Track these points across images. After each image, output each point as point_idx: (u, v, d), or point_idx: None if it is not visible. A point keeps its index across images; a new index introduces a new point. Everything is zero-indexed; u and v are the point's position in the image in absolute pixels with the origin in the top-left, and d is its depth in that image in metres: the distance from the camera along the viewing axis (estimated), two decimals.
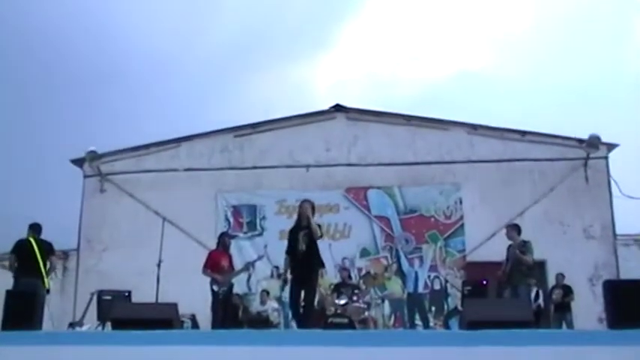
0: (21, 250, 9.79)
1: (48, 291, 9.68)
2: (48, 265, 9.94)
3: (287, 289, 8.97)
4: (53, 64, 31.54)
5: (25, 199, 22.26)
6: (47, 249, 10.00)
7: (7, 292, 8.85)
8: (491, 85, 37.46)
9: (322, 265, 9.14)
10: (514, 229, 10.44)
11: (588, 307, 12.75)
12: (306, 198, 9.34)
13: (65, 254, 15.35)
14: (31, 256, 9.72)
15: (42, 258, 9.79)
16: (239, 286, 13.04)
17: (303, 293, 8.55)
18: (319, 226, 8.94)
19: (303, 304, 8.55)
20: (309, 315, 8.57)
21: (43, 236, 10.09)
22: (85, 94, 31.47)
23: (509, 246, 10.31)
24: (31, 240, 9.87)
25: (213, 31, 38.57)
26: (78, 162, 16.00)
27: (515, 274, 9.90)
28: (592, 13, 36.43)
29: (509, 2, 40.55)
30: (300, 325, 8.46)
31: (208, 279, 10.21)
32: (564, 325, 12.51)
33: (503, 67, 39.08)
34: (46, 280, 9.73)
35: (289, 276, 8.85)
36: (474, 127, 15.76)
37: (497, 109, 30.48)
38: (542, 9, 38.46)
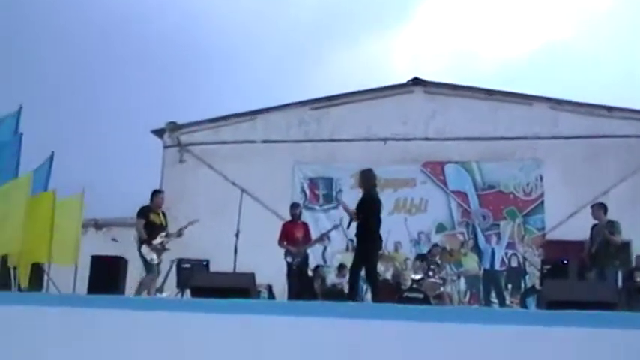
0: None
1: None
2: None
3: None
4: (139, 37, 32.34)
5: (108, 168, 23.01)
6: None
7: (93, 257, 9.21)
8: (576, 59, 36.07)
9: (372, 238, 8.67)
10: (601, 208, 10.10)
11: None
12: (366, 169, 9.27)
13: None
14: None
15: None
16: (314, 258, 13.16)
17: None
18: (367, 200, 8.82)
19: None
20: (352, 287, 8.70)
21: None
22: (168, 67, 32.19)
23: (594, 225, 10.00)
24: None
25: (292, 5, 38.62)
26: (158, 133, 16.41)
27: (601, 255, 9.58)
28: None
29: None
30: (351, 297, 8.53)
31: (283, 250, 10.33)
32: None
33: (589, 39, 37.59)
34: None
35: None
36: (558, 102, 15.30)
37: (583, 83, 29.39)
38: None
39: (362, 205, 8.76)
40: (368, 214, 8.65)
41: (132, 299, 7.07)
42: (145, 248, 9.51)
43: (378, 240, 8.78)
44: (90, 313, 5.95)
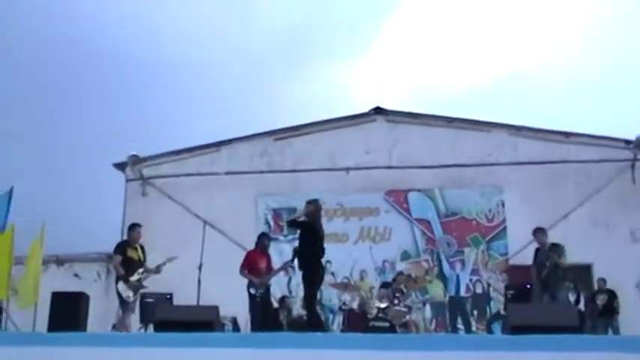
0: None
1: None
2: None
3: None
4: (95, 68, 32.14)
5: (70, 202, 22.71)
6: None
7: (53, 294, 9.03)
8: (536, 86, 36.79)
9: (312, 265, 8.87)
10: (543, 232, 10.39)
11: (636, 313, 12.45)
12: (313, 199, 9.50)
13: (109, 257, 15.58)
14: None
15: None
16: (280, 288, 13.07)
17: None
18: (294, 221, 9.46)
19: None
20: (309, 315, 8.75)
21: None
22: (122, 97, 32.07)
23: (537, 250, 10.25)
24: None
25: (255, 33, 38.89)
26: (120, 166, 16.25)
27: (552, 278, 9.79)
28: None
29: (556, 3, 39.80)
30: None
31: (247, 281, 10.25)
32: (610, 331, 12.25)
33: (550, 68, 38.38)
34: None
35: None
36: (516, 129, 15.55)
37: (543, 111, 30.00)
38: (590, 9, 37.86)
39: (305, 232, 8.92)
40: (311, 241, 8.80)
41: (94, 336, 6.93)
42: (121, 285, 9.35)
43: (321, 268, 8.98)
44: (51, 352, 5.83)
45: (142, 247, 9.83)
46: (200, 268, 10.13)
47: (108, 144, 23.51)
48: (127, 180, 16.27)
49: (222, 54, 39.22)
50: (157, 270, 9.59)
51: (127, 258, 9.50)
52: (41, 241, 10.93)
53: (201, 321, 6.55)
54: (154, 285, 10.63)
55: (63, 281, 14.22)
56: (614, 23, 36.76)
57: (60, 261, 15.74)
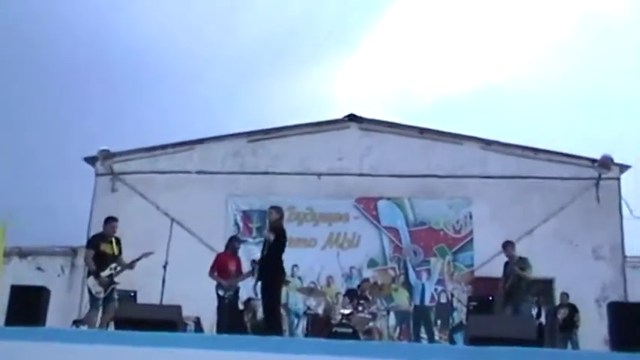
0: None
1: None
2: None
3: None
4: (71, 63, 31.81)
5: (36, 194, 22.43)
6: None
7: (12, 287, 8.89)
8: (511, 99, 37.07)
9: (279, 270, 9.00)
10: (512, 246, 10.56)
11: (595, 328, 12.63)
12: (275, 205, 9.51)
13: (74, 251, 15.44)
14: None
15: None
16: (246, 290, 13.06)
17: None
18: (276, 231, 9.03)
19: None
20: (268, 321, 8.75)
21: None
22: (105, 91, 31.76)
23: (506, 263, 10.41)
24: None
25: (237, 34, 38.82)
26: (90, 160, 16.09)
27: (515, 291, 9.96)
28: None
29: (539, 16, 40.24)
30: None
31: (214, 282, 10.22)
32: (570, 345, 12.44)
33: (524, 81, 38.74)
34: None
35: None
36: (487, 143, 15.71)
37: (515, 124, 30.34)
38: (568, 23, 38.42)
39: (277, 238, 8.95)
40: (280, 250, 8.92)
41: (52, 331, 6.86)
42: (91, 280, 9.21)
43: (284, 273, 9.20)
44: (7, 346, 5.76)
45: (118, 240, 9.66)
46: (165, 266, 10.08)
47: (79, 138, 23.23)
48: (97, 174, 16.11)
49: (204, 54, 39.14)
50: (131, 265, 9.46)
51: (99, 252, 9.36)
52: (2, 234, 10.78)
53: (164, 320, 6.53)
54: (120, 282, 10.58)
55: (25, 274, 14.05)
56: (589, 39, 37.34)
57: (23, 253, 15.54)
